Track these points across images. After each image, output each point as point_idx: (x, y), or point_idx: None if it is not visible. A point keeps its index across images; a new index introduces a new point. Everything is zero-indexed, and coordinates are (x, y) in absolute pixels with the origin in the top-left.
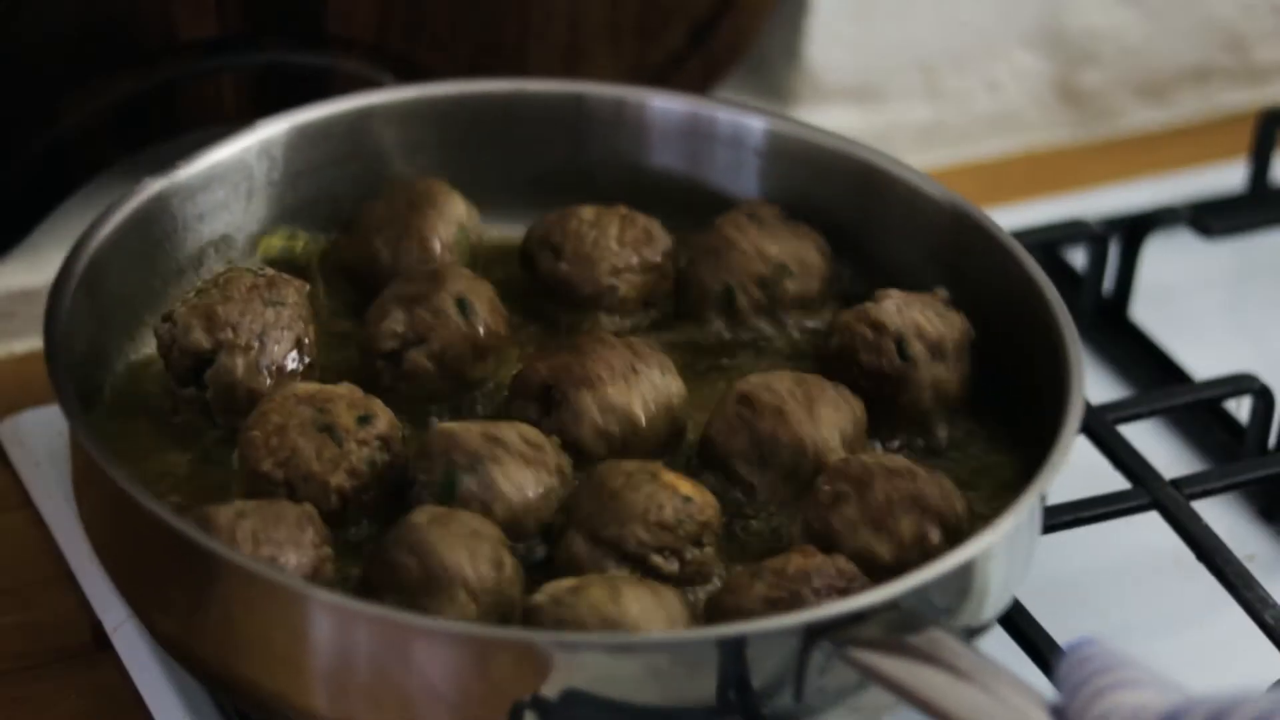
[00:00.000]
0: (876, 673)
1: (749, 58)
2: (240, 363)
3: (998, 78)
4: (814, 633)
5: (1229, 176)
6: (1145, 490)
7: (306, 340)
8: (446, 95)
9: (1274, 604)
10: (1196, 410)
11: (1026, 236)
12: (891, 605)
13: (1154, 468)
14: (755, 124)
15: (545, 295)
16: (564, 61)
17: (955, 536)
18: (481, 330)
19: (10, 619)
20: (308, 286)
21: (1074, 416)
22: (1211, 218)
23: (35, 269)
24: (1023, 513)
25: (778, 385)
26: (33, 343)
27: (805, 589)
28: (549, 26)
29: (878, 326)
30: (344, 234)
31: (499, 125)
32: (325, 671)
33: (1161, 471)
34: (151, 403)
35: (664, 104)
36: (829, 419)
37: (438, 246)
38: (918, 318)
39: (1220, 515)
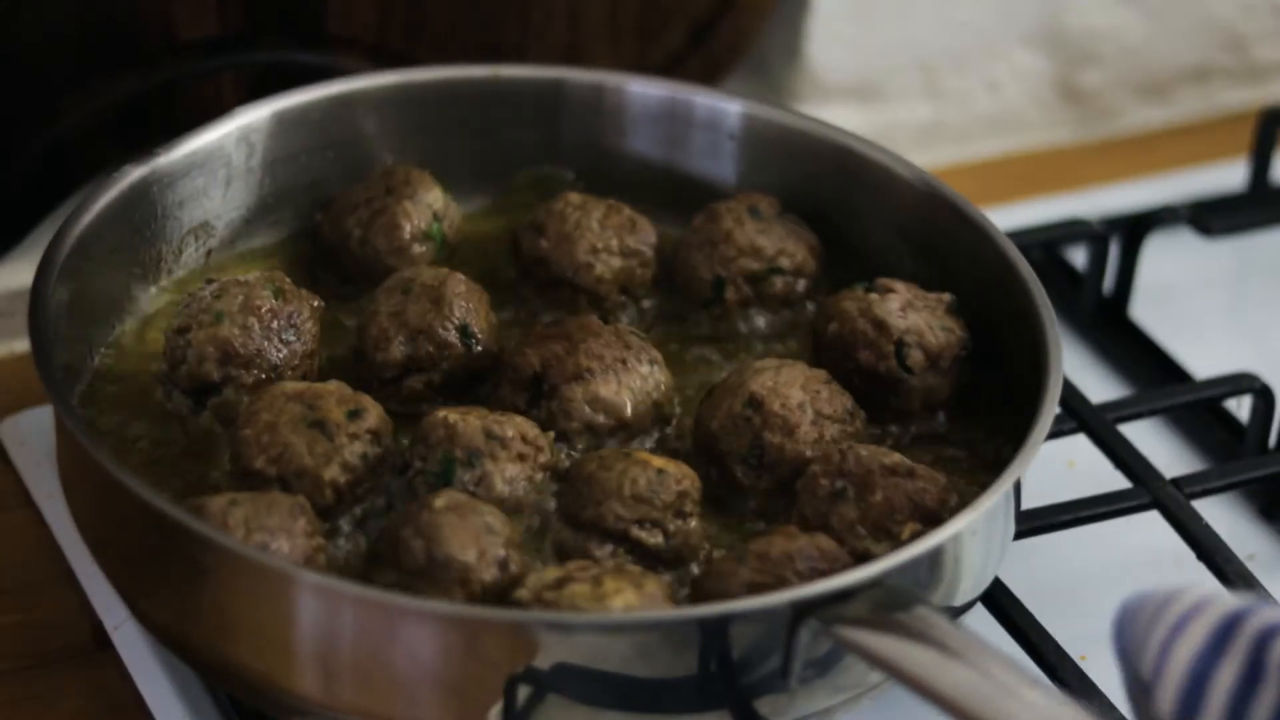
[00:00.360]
0: (865, 650)
1: (749, 58)
2: (245, 400)
3: (998, 78)
4: (801, 611)
5: (1229, 176)
6: (1145, 490)
7: (309, 367)
8: (425, 81)
9: (1275, 603)
10: (1196, 410)
11: (1027, 236)
12: (876, 583)
13: (1154, 467)
14: (731, 108)
15: (526, 279)
16: (564, 61)
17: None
18: (480, 354)
19: (10, 619)
20: (322, 305)
21: (1052, 395)
22: (1211, 217)
23: (35, 269)
24: (1001, 493)
25: (789, 394)
26: None
27: (789, 572)
28: (549, 26)
29: (880, 325)
30: (323, 212)
31: (478, 111)
32: (313, 652)
33: (1162, 471)
34: (133, 391)
35: (642, 89)
36: (834, 435)
37: (407, 232)
38: (921, 324)
39: (1220, 514)
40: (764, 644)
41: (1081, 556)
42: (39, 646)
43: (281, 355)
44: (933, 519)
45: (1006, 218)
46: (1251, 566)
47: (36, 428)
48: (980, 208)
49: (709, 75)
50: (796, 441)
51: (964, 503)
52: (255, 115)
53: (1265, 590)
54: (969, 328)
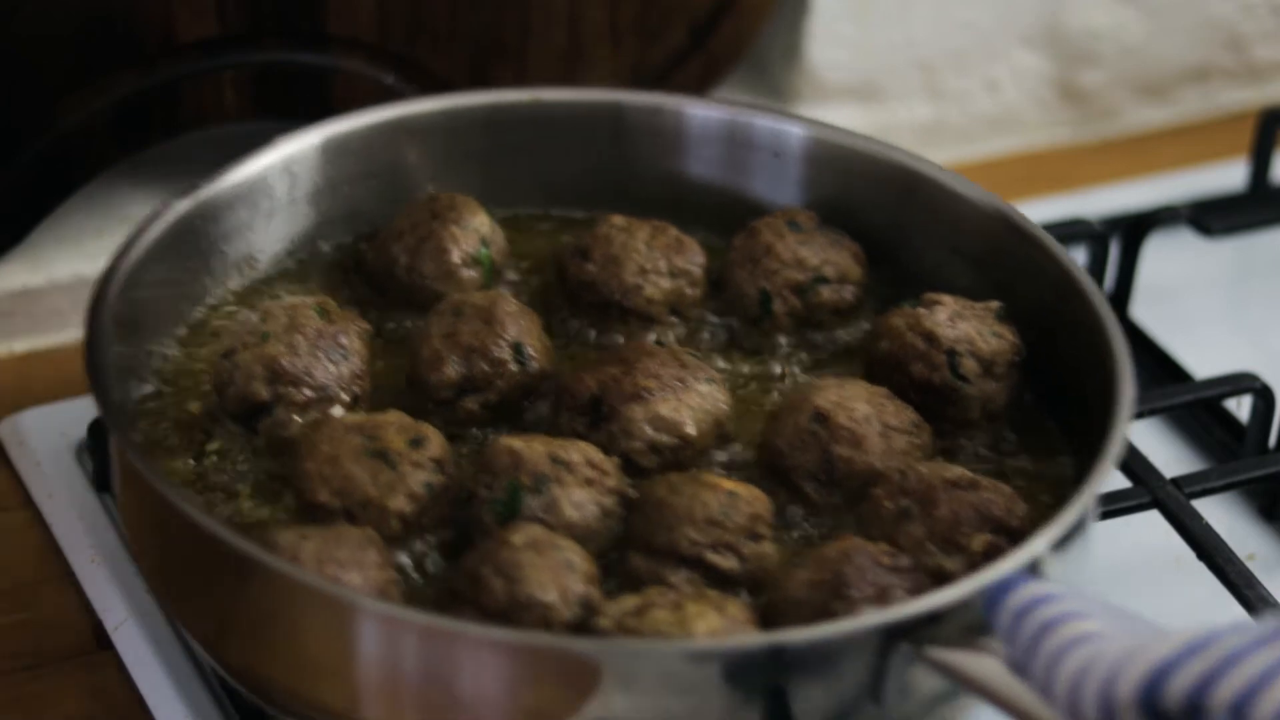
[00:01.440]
0: (961, 674)
1: (749, 58)
2: (297, 419)
3: (998, 78)
4: (893, 634)
5: (1229, 176)
6: (1146, 489)
7: (360, 389)
8: (465, 107)
9: (1275, 603)
10: (1196, 409)
11: None
12: (969, 603)
13: (1154, 466)
14: (794, 130)
15: (573, 303)
16: (564, 61)
17: (1019, 540)
18: (534, 372)
19: (10, 619)
20: (369, 329)
21: (1123, 417)
22: (1211, 217)
23: (35, 269)
24: (1080, 509)
25: (855, 407)
26: (33, 342)
27: (847, 567)
28: (549, 27)
29: (930, 337)
30: (367, 242)
31: (529, 136)
32: (391, 685)
33: (1162, 470)
34: (182, 425)
35: (702, 112)
36: (902, 447)
37: (455, 257)
38: (971, 332)
39: (1220, 514)
40: (853, 668)
41: None
42: (39, 646)
43: (330, 374)
44: (1001, 528)
45: None
46: (1252, 566)
47: (36, 428)
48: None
49: (709, 75)
50: (866, 454)
51: (1037, 517)
52: (298, 145)
53: (1265, 589)
54: (1026, 341)
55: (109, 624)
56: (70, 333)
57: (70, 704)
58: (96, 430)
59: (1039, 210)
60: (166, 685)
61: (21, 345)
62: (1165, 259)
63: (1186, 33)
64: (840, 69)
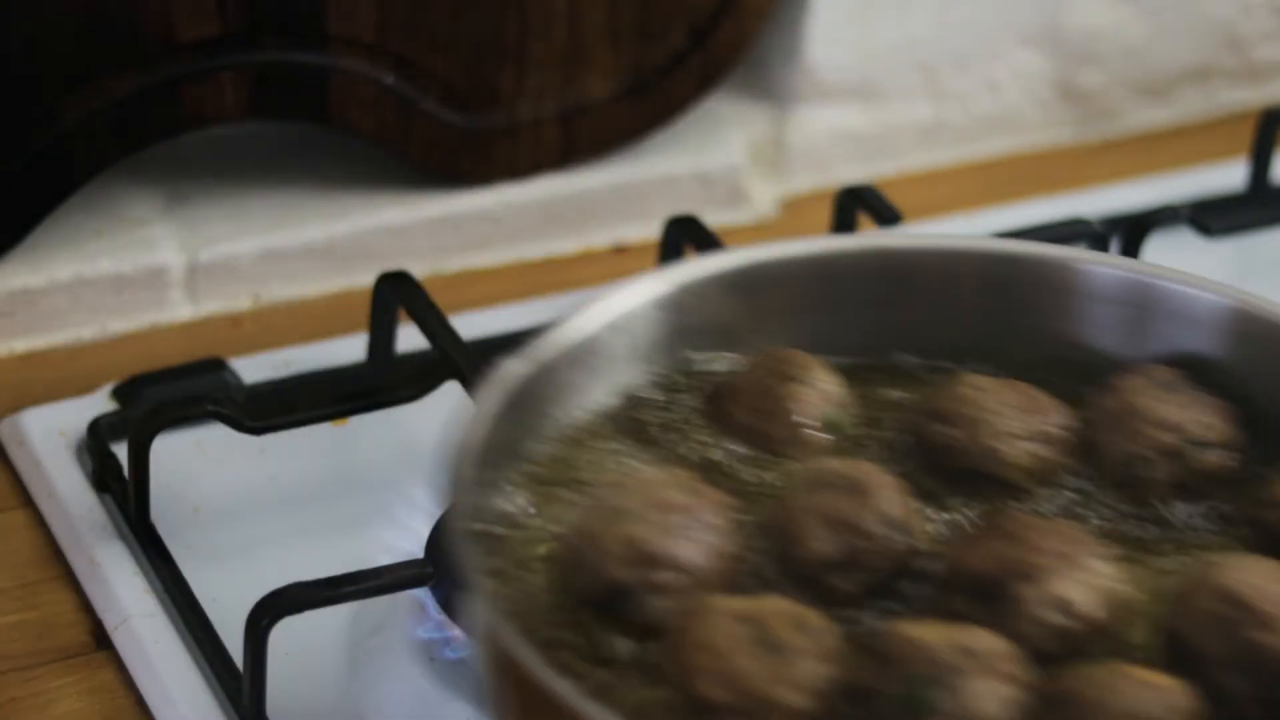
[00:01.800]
0: None
1: (749, 58)
2: (662, 604)
3: (998, 78)
4: None
5: (1229, 176)
6: None
7: (726, 570)
8: (807, 256)
9: None
10: None
11: (1027, 236)
12: None
13: None
14: (1209, 299)
15: (931, 469)
16: (564, 62)
17: None
18: (912, 548)
19: (10, 619)
20: (732, 503)
21: None
22: (1212, 217)
23: (35, 269)
24: None
25: (1268, 587)
26: (33, 342)
27: None
28: (549, 26)
29: None
30: (707, 402)
31: (870, 286)
32: None
33: None
34: (524, 608)
35: (1100, 270)
36: None
37: (803, 420)
38: None
39: None
40: None
41: None
42: (39, 646)
43: (697, 557)
44: None
45: (1007, 218)
46: None
47: (36, 427)
48: (981, 208)
49: (709, 75)
50: None
51: None
52: (630, 302)
53: None
54: None
55: (109, 624)
56: (70, 332)
57: (70, 704)
58: (96, 430)
59: (1040, 210)
60: (166, 685)
61: (21, 345)
62: (1165, 259)
63: (1187, 33)
64: (840, 69)
